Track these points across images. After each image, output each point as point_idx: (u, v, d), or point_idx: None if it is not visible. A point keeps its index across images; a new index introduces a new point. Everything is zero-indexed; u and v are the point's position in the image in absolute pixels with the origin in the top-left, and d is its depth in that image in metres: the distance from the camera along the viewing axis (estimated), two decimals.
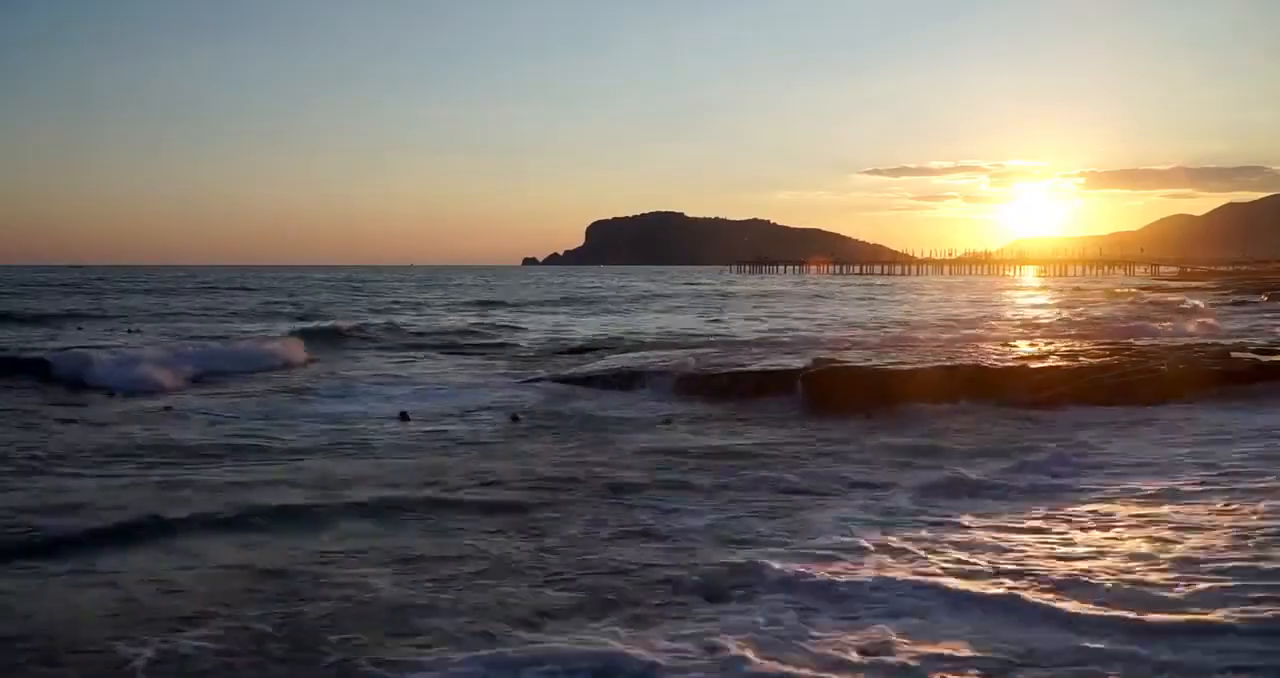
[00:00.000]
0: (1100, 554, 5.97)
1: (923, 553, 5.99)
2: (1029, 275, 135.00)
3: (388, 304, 44.97)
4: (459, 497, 7.64)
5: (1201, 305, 36.63)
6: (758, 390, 13.61)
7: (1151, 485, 7.79)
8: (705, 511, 7.20)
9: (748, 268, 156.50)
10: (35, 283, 67.86)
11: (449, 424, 11.41)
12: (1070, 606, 5.01)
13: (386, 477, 8.38)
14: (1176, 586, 5.29)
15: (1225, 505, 7.03)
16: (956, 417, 11.91)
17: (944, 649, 4.53)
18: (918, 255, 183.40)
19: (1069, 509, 7.11)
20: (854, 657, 4.46)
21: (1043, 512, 7.05)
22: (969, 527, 6.65)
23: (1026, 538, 6.37)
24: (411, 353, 21.22)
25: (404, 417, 11.72)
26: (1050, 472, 8.47)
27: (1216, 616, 4.82)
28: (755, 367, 15.42)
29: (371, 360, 19.64)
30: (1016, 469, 8.58)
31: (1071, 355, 15.98)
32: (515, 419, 11.67)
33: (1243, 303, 41.30)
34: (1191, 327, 25.19)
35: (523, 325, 30.42)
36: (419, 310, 40.47)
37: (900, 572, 5.59)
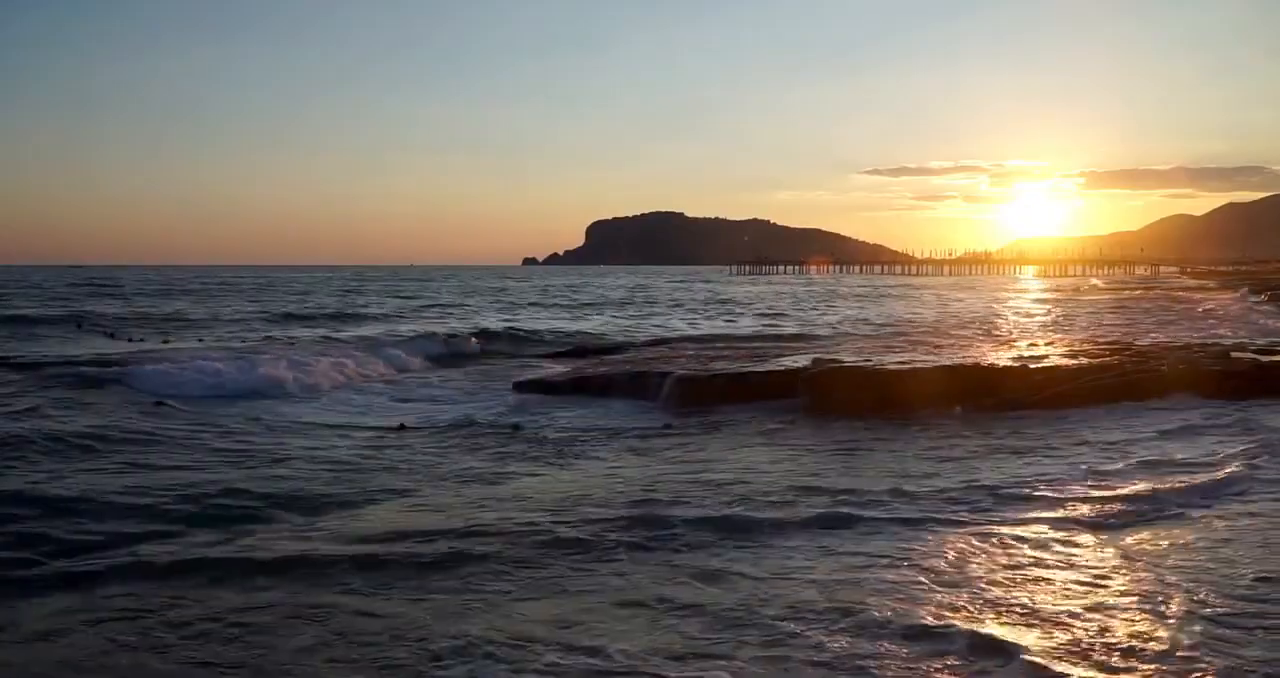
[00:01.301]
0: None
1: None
2: (1029, 275, 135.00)
3: (394, 306, 44.78)
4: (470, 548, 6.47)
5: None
6: (758, 393, 13.52)
7: (1195, 508, 7.33)
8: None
9: (748, 268, 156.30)
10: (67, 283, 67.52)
11: (446, 436, 11.14)
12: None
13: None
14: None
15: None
16: (960, 420, 11.89)
17: None
18: (918, 255, 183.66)
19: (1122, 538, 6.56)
20: None
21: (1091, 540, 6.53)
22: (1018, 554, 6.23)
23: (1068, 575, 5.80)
24: (414, 358, 21.08)
25: (402, 428, 11.65)
26: (1076, 484, 8.06)
27: None
28: (755, 368, 15.31)
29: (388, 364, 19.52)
30: (1030, 484, 8.08)
31: (1071, 355, 15.96)
32: (517, 428, 11.53)
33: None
34: None
35: (523, 326, 30.32)
36: (423, 313, 40.38)
37: None
